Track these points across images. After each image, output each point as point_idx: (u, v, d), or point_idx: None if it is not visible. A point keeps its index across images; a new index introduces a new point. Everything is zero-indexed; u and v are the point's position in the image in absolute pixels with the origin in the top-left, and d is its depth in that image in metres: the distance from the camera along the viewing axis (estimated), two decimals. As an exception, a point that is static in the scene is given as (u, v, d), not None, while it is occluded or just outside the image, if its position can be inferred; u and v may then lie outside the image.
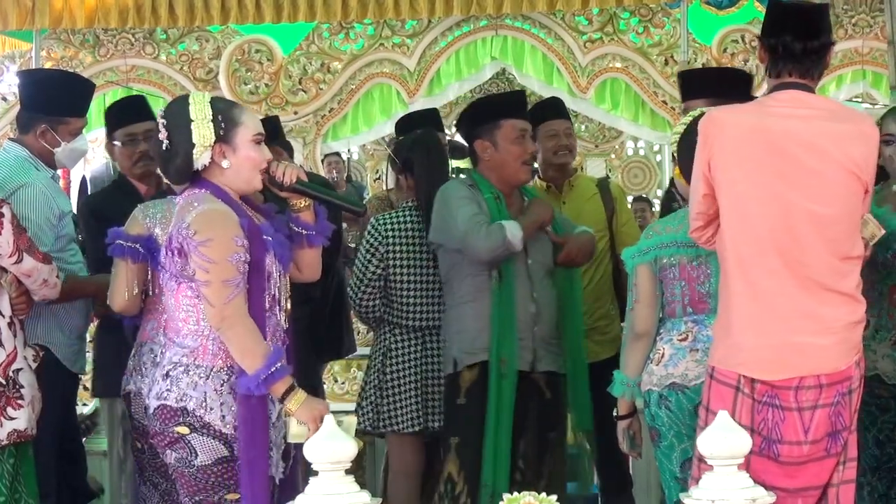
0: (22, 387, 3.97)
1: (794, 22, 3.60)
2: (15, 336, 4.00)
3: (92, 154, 8.49)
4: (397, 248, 5.05)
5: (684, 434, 3.93)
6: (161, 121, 3.68)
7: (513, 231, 4.64)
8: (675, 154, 4.04)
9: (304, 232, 3.84)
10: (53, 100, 4.59)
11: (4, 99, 8.34)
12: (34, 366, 4.06)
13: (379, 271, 5.06)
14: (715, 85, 4.79)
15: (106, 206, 4.95)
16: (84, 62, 8.34)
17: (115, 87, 8.23)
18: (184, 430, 3.59)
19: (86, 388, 5.62)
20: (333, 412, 3.18)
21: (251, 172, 3.70)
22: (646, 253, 4.08)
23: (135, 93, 7.98)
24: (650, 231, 4.14)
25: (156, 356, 3.72)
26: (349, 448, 2.56)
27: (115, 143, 5.05)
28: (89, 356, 5.03)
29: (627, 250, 4.14)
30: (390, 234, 5.06)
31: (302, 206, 3.83)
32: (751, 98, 4.62)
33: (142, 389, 3.72)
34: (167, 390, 3.61)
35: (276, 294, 3.71)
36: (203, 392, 3.59)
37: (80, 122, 4.66)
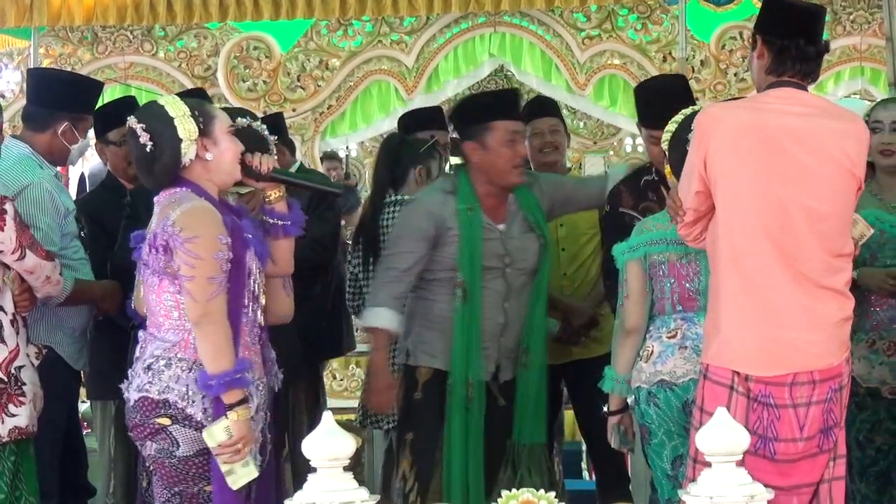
0: (24, 384, 3.97)
1: (806, 25, 3.61)
2: (17, 333, 3.99)
3: (90, 151, 8.49)
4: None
5: (674, 432, 3.94)
6: (139, 126, 3.64)
7: (375, 320, 4.48)
8: (667, 152, 4.05)
9: (280, 223, 3.84)
10: (77, 98, 4.71)
11: (2, 97, 8.32)
12: (36, 363, 4.06)
13: (356, 270, 5.13)
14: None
15: (99, 209, 4.96)
16: (82, 59, 8.32)
17: (114, 85, 8.20)
18: (165, 420, 3.60)
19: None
20: (332, 409, 3.20)
21: (232, 163, 3.72)
22: (636, 249, 4.09)
23: (132, 90, 8.03)
24: (640, 228, 4.14)
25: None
26: (348, 445, 2.56)
27: (110, 143, 5.06)
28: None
29: (618, 247, 4.14)
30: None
31: (276, 196, 3.83)
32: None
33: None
34: (149, 382, 3.61)
35: (256, 291, 3.72)
36: (185, 385, 3.59)
37: (91, 119, 4.82)
